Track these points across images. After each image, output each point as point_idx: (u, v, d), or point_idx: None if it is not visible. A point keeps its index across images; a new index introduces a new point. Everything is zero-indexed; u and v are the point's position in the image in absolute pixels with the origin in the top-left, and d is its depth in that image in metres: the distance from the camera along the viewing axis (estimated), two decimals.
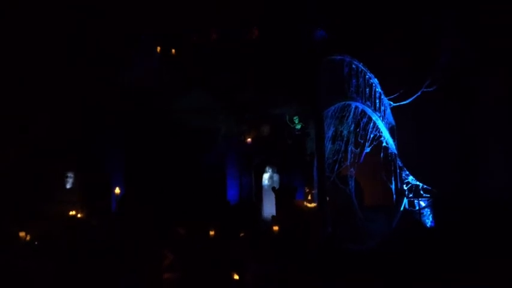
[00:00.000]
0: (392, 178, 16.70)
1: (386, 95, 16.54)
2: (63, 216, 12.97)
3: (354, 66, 15.31)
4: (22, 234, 11.46)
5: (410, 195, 16.59)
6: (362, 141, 16.03)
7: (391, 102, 16.85)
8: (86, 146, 14.43)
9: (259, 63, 15.77)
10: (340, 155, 15.75)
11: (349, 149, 15.93)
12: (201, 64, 15.88)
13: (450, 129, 17.21)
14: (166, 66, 15.90)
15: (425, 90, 16.56)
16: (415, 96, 16.63)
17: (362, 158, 15.86)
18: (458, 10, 16.27)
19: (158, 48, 16.35)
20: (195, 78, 15.63)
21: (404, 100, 16.70)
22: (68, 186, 14.24)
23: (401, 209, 16.16)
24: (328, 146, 15.09)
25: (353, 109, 15.66)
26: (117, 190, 13.92)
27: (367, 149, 16.01)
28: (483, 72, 16.90)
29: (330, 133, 15.16)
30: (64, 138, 14.00)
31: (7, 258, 10.11)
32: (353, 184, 15.79)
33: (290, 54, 15.44)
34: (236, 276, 11.09)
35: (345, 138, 15.94)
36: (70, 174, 14.24)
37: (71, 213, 13.33)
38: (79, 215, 13.45)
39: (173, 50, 16.42)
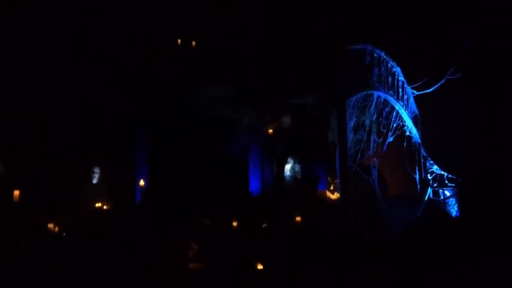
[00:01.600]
0: (416, 168, 16.52)
1: (409, 84, 16.31)
2: (89, 209, 13.26)
3: (375, 55, 15.12)
4: (51, 225, 11.77)
5: (435, 185, 16.39)
6: (385, 131, 15.88)
7: (415, 91, 16.61)
8: (112, 141, 14.64)
9: (278, 53, 15.69)
10: (363, 144, 15.64)
11: (372, 138, 15.81)
12: (220, 55, 15.88)
13: (476, 117, 16.87)
14: (188, 58, 15.96)
15: (449, 77, 16.26)
16: (439, 84, 16.35)
17: (385, 147, 15.72)
18: None
19: (179, 41, 16.41)
20: (215, 69, 15.66)
21: (428, 88, 16.44)
22: (95, 181, 14.41)
23: (426, 198, 16.00)
24: (350, 136, 14.99)
25: (375, 98, 15.50)
26: (142, 182, 14.13)
27: (390, 139, 15.85)
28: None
29: (351, 123, 15.05)
30: (90, 133, 14.24)
31: (36, 249, 10.39)
32: (376, 174, 15.69)
33: (310, 43, 15.33)
34: (260, 266, 11.19)
35: (367, 128, 15.81)
36: (96, 170, 14.41)
37: (97, 205, 13.61)
38: (105, 207, 13.72)
39: (193, 43, 16.45)
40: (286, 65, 15.34)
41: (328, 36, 14.82)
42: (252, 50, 15.63)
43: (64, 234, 11.89)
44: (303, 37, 15.31)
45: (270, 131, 16.52)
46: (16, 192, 11.39)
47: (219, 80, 15.47)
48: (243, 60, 15.58)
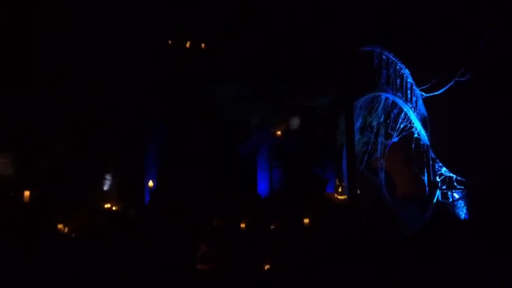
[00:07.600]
0: (425, 170, 16.47)
1: (418, 86, 16.27)
2: (99, 210, 13.31)
3: (384, 57, 15.12)
4: (60, 226, 11.87)
5: (444, 187, 16.33)
6: (392, 133, 15.89)
7: (423, 93, 16.57)
8: (122, 143, 14.62)
9: (291, 55, 15.67)
10: (370, 146, 15.63)
11: (379, 140, 15.79)
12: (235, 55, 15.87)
13: (485, 120, 16.74)
14: (200, 59, 15.98)
15: (458, 80, 16.20)
16: (448, 86, 16.30)
17: (388, 147, 15.76)
18: None
19: (188, 44, 16.44)
20: (229, 69, 15.68)
21: (437, 90, 16.39)
22: (106, 188, 14.27)
23: (434, 201, 15.94)
24: (357, 137, 14.98)
25: (383, 100, 15.50)
26: (151, 183, 14.18)
27: (395, 139, 15.88)
28: None
29: (358, 124, 15.05)
30: (101, 136, 14.23)
31: (47, 247, 10.49)
32: (383, 175, 15.65)
33: (323, 47, 15.32)
34: (267, 267, 11.22)
35: (375, 130, 15.80)
36: (108, 177, 14.28)
37: (106, 206, 13.66)
38: (114, 208, 13.77)
39: (203, 45, 16.47)
40: (298, 67, 15.34)
41: (340, 39, 14.77)
42: (266, 53, 15.62)
43: (73, 234, 11.98)
44: (315, 41, 15.28)
45: (279, 132, 16.51)
46: (26, 193, 11.51)
47: (233, 80, 15.49)
48: (255, 62, 15.59)
